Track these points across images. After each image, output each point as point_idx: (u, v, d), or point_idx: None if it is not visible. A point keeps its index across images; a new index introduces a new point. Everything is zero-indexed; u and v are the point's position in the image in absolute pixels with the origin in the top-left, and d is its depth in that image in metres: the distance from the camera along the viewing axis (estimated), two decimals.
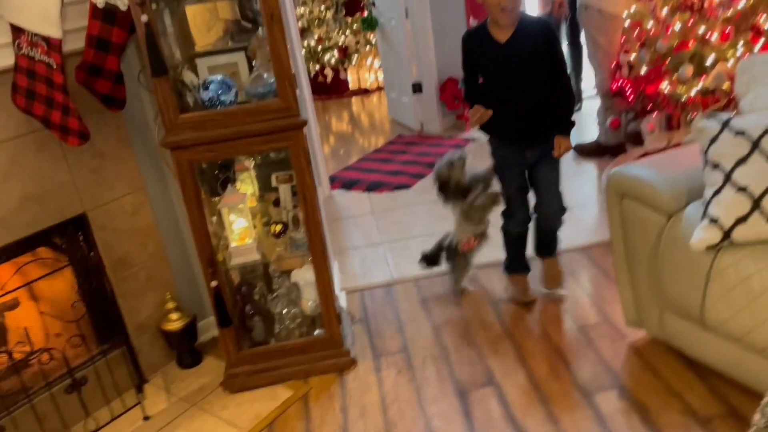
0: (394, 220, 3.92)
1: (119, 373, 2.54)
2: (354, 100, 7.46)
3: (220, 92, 2.23)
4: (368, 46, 7.47)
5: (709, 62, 3.16)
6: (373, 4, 5.79)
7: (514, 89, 2.50)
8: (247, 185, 2.74)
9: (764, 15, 3.05)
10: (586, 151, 4.36)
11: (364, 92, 7.55)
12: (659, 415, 2.08)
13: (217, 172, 2.58)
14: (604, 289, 2.86)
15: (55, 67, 1.95)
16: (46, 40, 1.93)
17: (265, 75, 2.28)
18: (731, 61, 3.09)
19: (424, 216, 3.89)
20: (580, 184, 3.97)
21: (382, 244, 3.62)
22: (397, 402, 2.35)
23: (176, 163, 2.24)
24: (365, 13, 7.16)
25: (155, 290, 2.70)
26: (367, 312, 2.97)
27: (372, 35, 7.16)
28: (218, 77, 2.26)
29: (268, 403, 2.47)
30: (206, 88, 2.24)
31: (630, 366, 2.33)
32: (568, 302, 2.80)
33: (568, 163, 4.32)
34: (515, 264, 2.92)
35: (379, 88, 7.47)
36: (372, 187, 4.44)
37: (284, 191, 2.65)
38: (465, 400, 2.31)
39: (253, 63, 2.34)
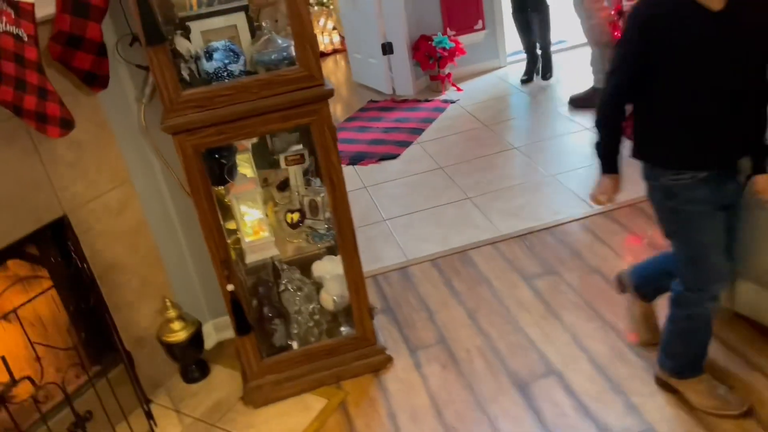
0: (389, 194, 3.62)
1: (120, 395, 2.18)
2: None
3: (227, 62, 1.85)
4: (321, 6, 7.01)
5: None
6: None
7: (725, 87, 1.57)
8: (246, 168, 2.38)
9: None
10: (583, 101, 4.19)
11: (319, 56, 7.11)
12: (745, 393, 1.91)
13: (217, 156, 2.21)
14: (640, 254, 2.67)
15: (26, 39, 1.54)
16: (14, 5, 1.51)
17: (278, 39, 1.92)
18: None
19: (421, 188, 3.61)
20: (583, 138, 3.78)
21: (384, 221, 3.33)
22: (451, 403, 2.10)
23: (181, 149, 1.86)
24: None
25: (151, 297, 2.33)
26: (389, 300, 2.69)
27: None
28: (222, 43, 1.88)
29: (301, 415, 2.17)
30: (209, 57, 1.85)
31: None
32: (606, 270, 2.60)
33: (563, 118, 4.13)
34: (697, 363, 1.91)
35: (336, 51, 7.05)
36: (356, 159, 4.11)
37: (296, 173, 2.31)
38: (527, 393, 2.08)
39: (262, 24, 1.96)
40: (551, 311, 2.43)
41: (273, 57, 1.89)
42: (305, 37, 1.84)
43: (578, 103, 4.22)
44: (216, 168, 2.15)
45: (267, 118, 1.88)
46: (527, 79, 4.88)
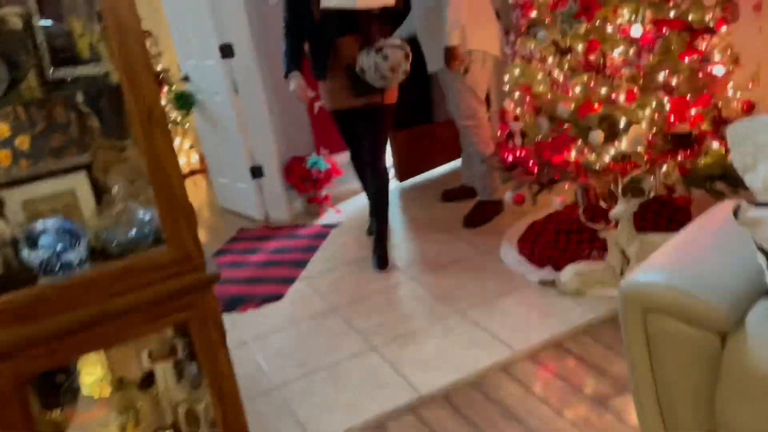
0: (277, 348, 3.06)
1: None
2: None
3: (60, 248, 1.30)
4: (175, 125, 6.48)
5: (620, 125, 2.89)
6: (186, 78, 4.92)
7: None
8: (93, 367, 1.76)
9: (670, 72, 2.87)
10: (474, 218, 4.02)
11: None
12: None
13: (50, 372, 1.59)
14: (577, 406, 2.33)
15: None
16: None
17: (136, 208, 1.41)
18: (644, 123, 2.85)
19: (315, 337, 3.09)
20: (486, 262, 3.50)
21: (276, 389, 2.75)
22: None
23: None
24: (164, 90, 6.21)
25: None
26: None
27: (178, 113, 6.21)
28: (53, 221, 1.33)
29: None
30: (33, 243, 1.29)
31: None
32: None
33: (458, 240, 3.85)
34: None
35: (193, 172, 6.51)
36: (232, 305, 3.52)
37: (164, 374, 1.72)
38: None
39: (112, 187, 1.44)
40: None
41: (130, 235, 1.37)
42: (176, 204, 1.35)
43: (472, 221, 4.01)
44: (49, 388, 1.52)
45: (125, 322, 1.33)
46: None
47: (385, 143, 3.69)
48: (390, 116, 3.59)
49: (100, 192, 1.48)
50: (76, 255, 1.32)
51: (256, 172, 4.59)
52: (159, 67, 6.11)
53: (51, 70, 1.35)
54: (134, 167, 1.48)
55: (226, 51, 4.33)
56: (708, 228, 1.95)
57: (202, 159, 6.25)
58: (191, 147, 6.58)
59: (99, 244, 1.39)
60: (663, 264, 1.80)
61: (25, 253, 1.29)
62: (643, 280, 1.76)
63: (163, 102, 6.10)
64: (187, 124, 6.40)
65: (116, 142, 1.47)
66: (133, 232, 1.37)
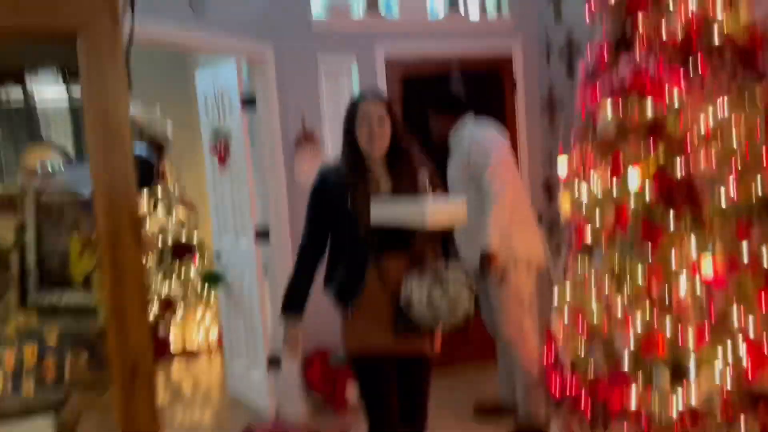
0: None
1: None
2: (176, 364, 6.00)
3: None
4: (198, 296, 6.27)
5: (688, 366, 2.53)
6: (219, 257, 4.78)
7: None
8: None
9: (744, 312, 2.56)
10: (489, 409, 3.76)
11: (188, 355, 6.14)
12: None
13: None
14: None
15: None
16: None
17: None
18: (716, 369, 2.48)
19: None
20: None
21: None
22: None
23: None
24: (196, 258, 6.14)
25: None
26: None
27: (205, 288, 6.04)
28: None
29: None
30: None
31: None
32: None
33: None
34: None
35: (212, 351, 6.18)
36: None
37: None
38: None
39: None
40: None
41: None
42: None
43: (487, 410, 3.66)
44: None
45: None
46: None
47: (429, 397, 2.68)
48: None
49: None
50: None
51: (274, 362, 4.24)
52: (195, 240, 6.11)
53: (36, 294, 1.11)
54: (112, 417, 1.19)
55: (262, 235, 4.21)
56: None
57: (220, 336, 5.94)
58: (212, 321, 6.31)
59: None
60: None
61: None
62: None
63: (192, 274, 6.02)
64: (211, 300, 6.17)
65: (95, 384, 1.19)
66: None
